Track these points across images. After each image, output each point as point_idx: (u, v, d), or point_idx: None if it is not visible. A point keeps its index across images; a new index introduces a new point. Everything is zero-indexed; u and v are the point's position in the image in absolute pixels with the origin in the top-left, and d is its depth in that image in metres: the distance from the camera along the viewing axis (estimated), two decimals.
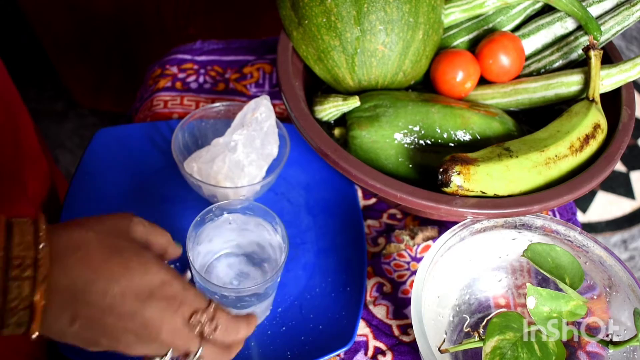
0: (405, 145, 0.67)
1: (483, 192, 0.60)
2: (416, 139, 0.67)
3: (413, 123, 0.67)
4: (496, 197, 0.61)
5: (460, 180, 0.59)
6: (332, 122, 0.73)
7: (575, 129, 0.64)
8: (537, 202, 0.60)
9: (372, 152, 0.67)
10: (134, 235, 0.47)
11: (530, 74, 0.75)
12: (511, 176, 0.61)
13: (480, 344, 0.55)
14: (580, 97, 0.69)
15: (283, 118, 0.82)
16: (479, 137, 0.68)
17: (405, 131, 0.67)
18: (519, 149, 0.63)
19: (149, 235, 0.49)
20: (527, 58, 0.75)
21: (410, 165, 0.67)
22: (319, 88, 0.77)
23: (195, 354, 0.46)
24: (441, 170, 0.60)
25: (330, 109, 0.70)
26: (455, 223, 0.63)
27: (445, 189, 0.60)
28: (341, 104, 0.69)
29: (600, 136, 0.66)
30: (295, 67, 0.73)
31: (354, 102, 0.69)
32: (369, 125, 0.67)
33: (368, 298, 0.69)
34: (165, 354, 0.45)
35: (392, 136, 0.67)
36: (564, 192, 0.61)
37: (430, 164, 0.66)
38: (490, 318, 0.56)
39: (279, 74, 0.71)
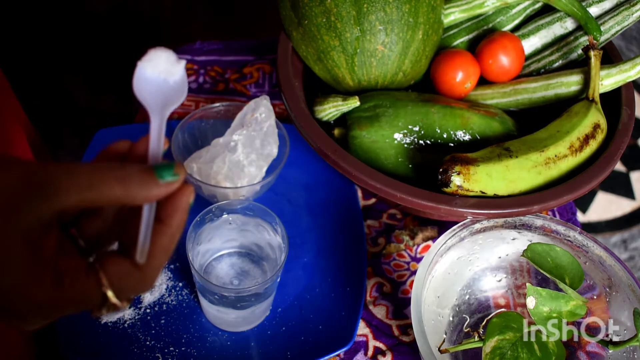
0: (405, 145, 0.67)
1: (483, 192, 0.60)
2: (416, 139, 0.67)
3: (413, 123, 0.67)
4: (496, 197, 0.61)
5: (460, 180, 0.59)
6: (332, 122, 0.73)
7: (575, 129, 0.64)
8: (537, 202, 0.60)
9: (372, 152, 0.67)
10: (24, 226, 0.31)
11: (530, 74, 0.75)
12: (511, 176, 0.61)
13: (480, 344, 0.55)
14: (580, 97, 0.69)
15: (283, 118, 0.82)
16: (478, 137, 0.68)
17: (405, 131, 0.67)
18: (519, 149, 0.63)
19: (72, 202, 0.32)
20: (527, 58, 0.75)
21: (410, 165, 0.67)
22: (319, 88, 0.77)
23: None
24: (441, 170, 0.60)
25: (330, 109, 0.70)
26: (455, 223, 0.63)
27: (445, 189, 0.60)
28: (341, 104, 0.69)
29: (600, 136, 0.66)
30: (295, 67, 0.73)
31: (354, 102, 0.69)
32: (369, 125, 0.67)
33: (368, 298, 0.69)
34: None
35: (391, 136, 0.67)
36: (564, 192, 0.61)
37: (430, 164, 0.66)
38: (490, 318, 0.56)
39: (278, 74, 0.71)
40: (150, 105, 0.36)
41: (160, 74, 0.37)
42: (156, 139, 0.36)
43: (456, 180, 0.59)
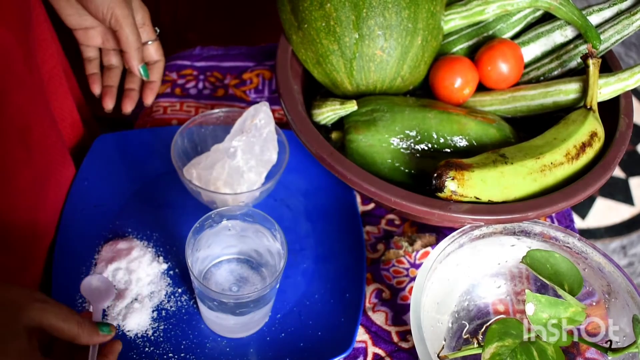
0: (402, 150, 0.67)
1: (477, 198, 0.60)
2: (412, 144, 0.67)
3: (410, 128, 0.67)
4: (490, 203, 0.61)
5: (454, 185, 0.59)
6: (330, 126, 0.74)
7: (572, 136, 0.64)
8: (532, 209, 0.60)
9: (369, 156, 0.67)
10: (24, 322, 0.46)
11: (529, 82, 0.75)
12: (506, 182, 0.61)
13: (479, 351, 0.55)
14: (578, 105, 0.69)
15: (282, 124, 0.82)
16: (475, 144, 0.68)
17: (402, 136, 0.67)
18: (515, 155, 0.63)
19: (49, 321, 0.48)
20: (526, 66, 0.76)
21: (406, 170, 0.67)
22: (318, 92, 0.77)
23: None
24: (435, 175, 0.60)
25: (328, 113, 0.71)
26: (452, 229, 0.63)
27: (439, 194, 0.60)
28: (339, 107, 0.69)
29: (597, 144, 0.66)
30: (294, 70, 0.73)
31: (352, 106, 0.69)
32: (366, 129, 0.68)
33: (367, 304, 0.69)
34: None
35: (388, 141, 0.67)
36: (559, 199, 0.61)
37: (426, 169, 0.66)
38: (490, 324, 0.56)
39: (277, 77, 0.71)
40: (92, 300, 0.59)
41: (95, 285, 0.60)
42: (98, 317, 0.57)
43: (450, 185, 0.59)
